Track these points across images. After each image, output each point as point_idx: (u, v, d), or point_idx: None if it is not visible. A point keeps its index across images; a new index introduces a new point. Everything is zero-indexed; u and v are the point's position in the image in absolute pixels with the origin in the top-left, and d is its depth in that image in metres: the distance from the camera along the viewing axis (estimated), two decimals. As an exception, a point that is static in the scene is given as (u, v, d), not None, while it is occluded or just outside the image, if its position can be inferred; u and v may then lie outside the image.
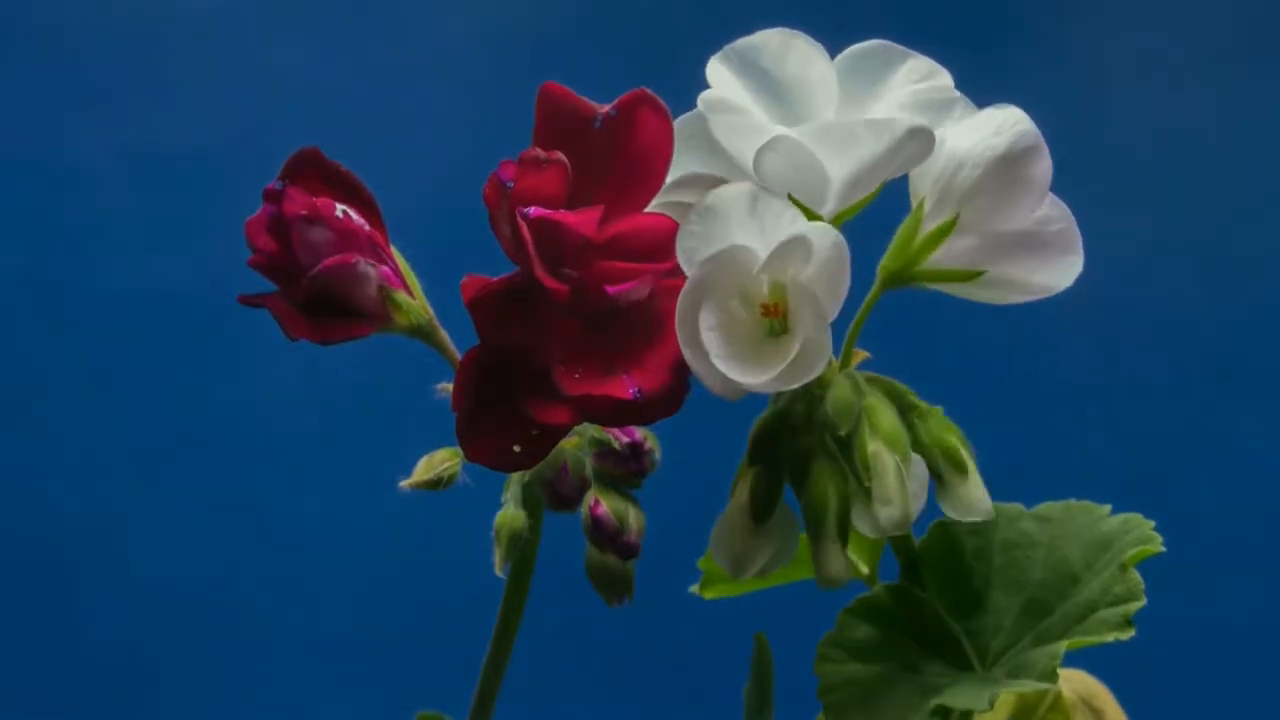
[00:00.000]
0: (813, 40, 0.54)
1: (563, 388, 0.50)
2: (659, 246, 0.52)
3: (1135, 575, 0.56)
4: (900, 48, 0.54)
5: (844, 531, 0.53)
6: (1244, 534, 1.26)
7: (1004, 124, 0.53)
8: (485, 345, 0.52)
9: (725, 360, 0.49)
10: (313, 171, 0.56)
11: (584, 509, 0.58)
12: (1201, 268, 1.28)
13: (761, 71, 0.54)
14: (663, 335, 0.51)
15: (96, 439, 1.33)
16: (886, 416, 0.53)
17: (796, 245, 0.50)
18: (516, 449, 0.51)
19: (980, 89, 0.55)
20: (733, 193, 0.51)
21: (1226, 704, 1.23)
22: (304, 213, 0.55)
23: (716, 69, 0.54)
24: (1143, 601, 0.55)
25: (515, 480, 0.59)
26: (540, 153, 0.52)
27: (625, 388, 0.50)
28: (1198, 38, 1.36)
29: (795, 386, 0.50)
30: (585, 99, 0.53)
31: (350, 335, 0.55)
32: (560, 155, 0.52)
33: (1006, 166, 0.53)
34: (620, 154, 0.53)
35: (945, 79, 0.53)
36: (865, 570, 0.68)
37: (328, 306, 0.55)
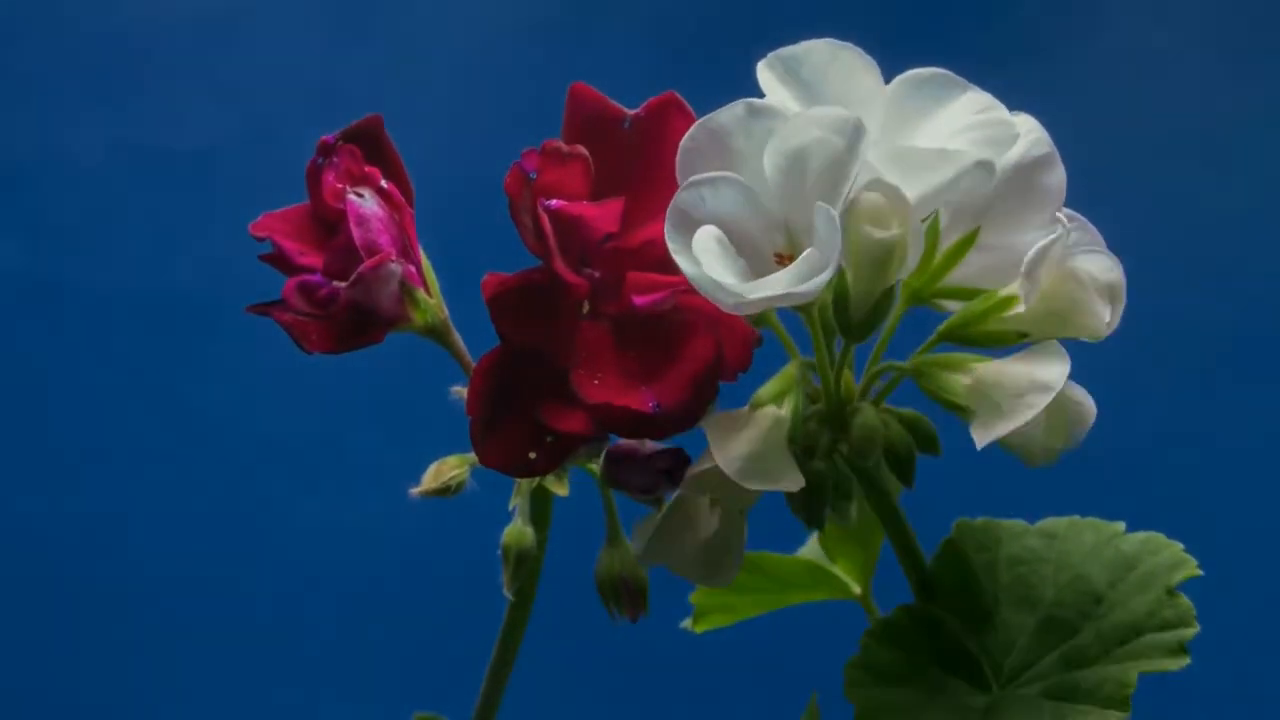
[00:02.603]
0: (863, 54, 0.53)
1: (581, 393, 0.50)
2: None
3: (1185, 601, 0.56)
4: (960, 79, 0.53)
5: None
6: (1239, 538, 1.26)
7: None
8: (504, 344, 0.51)
9: (725, 271, 0.48)
10: (360, 143, 0.56)
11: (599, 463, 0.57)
12: (1204, 267, 1.28)
13: (803, 82, 0.52)
14: (684, 350, 0.50)
15: (96, 439, 1.33)
16: (953, 356, 0.52)
17: (792, 161, 0.49)
18: (531, 455, 0.51)
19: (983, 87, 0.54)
20: (727, 117, 0.50)
21: (1232, 712, 1.23)
22: (348, 184, 0.54)
23: (764, 75, 0.53)
24: (1196, 628, 0.55)
25: (524, 489, 0.59)
26: (562, 145, 0.52)
27: (645, 400, 0.50)
28: (1198, 35, 1.36)
29: (808, 287, 0.48)
30: (614, 101, 0.53)
31: (367, 342, 0.55)
32: (582, 149, 0.52)
33: (1020, 176, 0.52)
34: (647, 156, 0.53)
35: (1003, 113, 0.52)
36: (858, 590, 0.68)
37: (353, 312, 0.55)
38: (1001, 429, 0.50)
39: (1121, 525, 0.59)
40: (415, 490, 0.58)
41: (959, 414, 0.52)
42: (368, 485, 1.14)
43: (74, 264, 1.34)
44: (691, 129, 0.51)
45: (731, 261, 0.49)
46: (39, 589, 1.32)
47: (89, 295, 1.33)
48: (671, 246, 0.49)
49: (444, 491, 0.58)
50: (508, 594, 0.59)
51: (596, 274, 0.51)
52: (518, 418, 0.51)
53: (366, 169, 0.55)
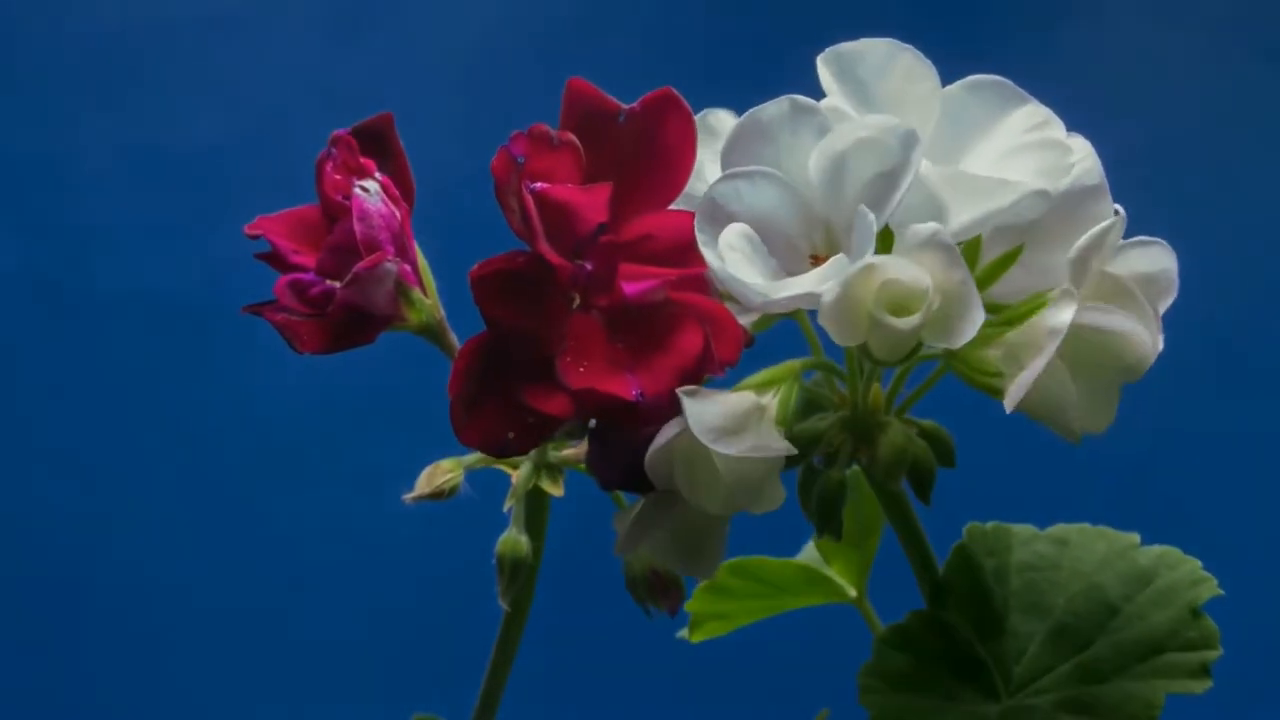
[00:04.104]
0: (923, 58, 0.51)
1: (565, 378, 0.50)
2: (678, 246, 0.52)
3: (1210, 622, 0.55)
4: (1018, 90, 0.52)
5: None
6: (1235, 542, 1.25)
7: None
8: (489, 329, 0.51)
9: (751, 270, 0.48)
10: (368, 140, 0.56)
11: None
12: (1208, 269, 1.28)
13: (858, 81, 0.52)
14: (673, 342, 0.50)
15: (95, 439, 1.33)
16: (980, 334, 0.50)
17: (841, 164, 0.48)
18: (510, 435, 0.51)
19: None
20: (773, 112, 0.50)
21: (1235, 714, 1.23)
22: (346, 175, 0.54)
23: (820, 69, 0.52)
24: (1219, 651, 0.54)
25: (519, 491, 0.59)
26: (550, 130, 0.52)
27: (629, 388, 0.49)
28: (1197, 35, 1.36)
29: (834, 284, 0.47)
30: (609, 96, 0.53)
31: (359, 342, 0.55)
32: (572, 137, 0.52)
33: (1069, 203, 0.51)
34: (643, 151, 0.53)
35: (1059, 132, 0.52)
36: (853, 594, 0.68)
37: (347, 312, 0.54)
38: (1023, 381, 0.48)
39: (1135, 537, 0.58)
40: (408, 496, 0.57)
41: (992, 393, 0.50)
42: (366, 486, 1.13)
43: (74, 264, 1.34)
44: (740, 119, 0.50)
45: (761, 261, 0.49)
46: (36, 588, 1.31)
47: (89, 295, 1.33)
48: (700, 238, 0.49)
49: (437, 496, 0.57)
50: (503, 604, 0.59)
51: (588, 266, 0.51)
52: (498, 400, 0.51)
53: (362, 160, 0.55)
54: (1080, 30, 1.37)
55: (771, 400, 0.51)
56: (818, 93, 0.52)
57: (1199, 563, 0.57)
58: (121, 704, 1.30)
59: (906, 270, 0.47)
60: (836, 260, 0.47)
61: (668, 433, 0.50)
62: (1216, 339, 1.28)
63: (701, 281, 0.52)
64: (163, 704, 1.31)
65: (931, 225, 0.48)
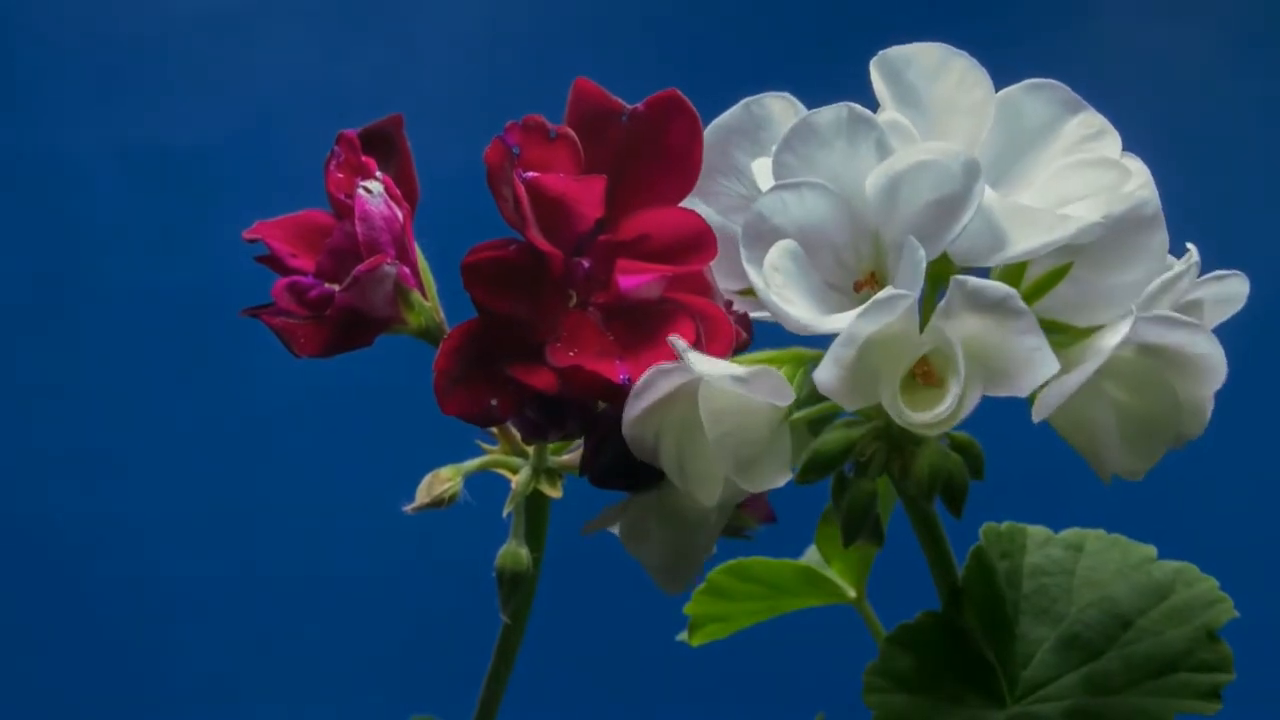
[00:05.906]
0: (976, 64, 0.51)
1: (554, 361, 0.51)
2: (679, 243, 0.52)
3: (1226, 646, 0.55)
4: (1074, 95, 0.51)
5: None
6: (1247, 559, 1.25)
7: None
8: (480, 316, 0.52)
9: (795, 294, 0.47)
10: (376, 141, 0.56)
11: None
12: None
13: (907, 85, 0.51)
14: (663, 335, 0.50)
15: (96, 439, 1.32)
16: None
17: (899, 185, 0.48)
18: (493, 402, 0.51)
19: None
20: (830, 117, 0.49)
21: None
22: (349, 174, 0.54)
23: (873, 74, 0.51)
24: (1232, 675, 0.54)
25: (518, 495, 0.58)
26: (546, 122, 0.52)
27: (616, 371, 0.50)
28: (1200, 35, 1.36)
29: (876, 326, 0.46)
30: (615, 96, 0.53)
31: (356, 345, 0.55)
32: (570, 131, 0.52)
33: (1122, 228, 0.50)
34: (646, 152, 0.53)
35: (1114, 147, 0.51)
36: (853, 594, 0.67)
37: (346, 314, 0.54)
38: (1054, 393, 0.47)
39: (1152, 550, 0.58)
40: (408, 507, 0.57)
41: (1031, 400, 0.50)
42: (368, 485, 1.13)
43: (74, 264, 1.34)
44: (792, 124, 0.50)
45: (804, 279, 0.48)
46: (36, 588, 1.31)
47: (89, 295, 1.33)
48: (744, 255, 0.48)
49: (437, 504, 0.57)
50: (504, 617, 0.59)
51: (586, 264, 0.51)
52: (483, 376, 0.51)
53: (363, 159, 0.55)
54: (1080, 27, 1.36)
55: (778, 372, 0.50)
56: (825, 93, 0.52)
57: (1216, 581, 0.56)
58: (121, 704, 1.30)
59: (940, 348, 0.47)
60: (882, 296, 0.47)
61: (650, 395, 0.49)
62: (1234, 348, 1.27)
63: (698, 279, 0.52)
64: (162, 704, 1.31)
65: (1003, 290, 0.46)
